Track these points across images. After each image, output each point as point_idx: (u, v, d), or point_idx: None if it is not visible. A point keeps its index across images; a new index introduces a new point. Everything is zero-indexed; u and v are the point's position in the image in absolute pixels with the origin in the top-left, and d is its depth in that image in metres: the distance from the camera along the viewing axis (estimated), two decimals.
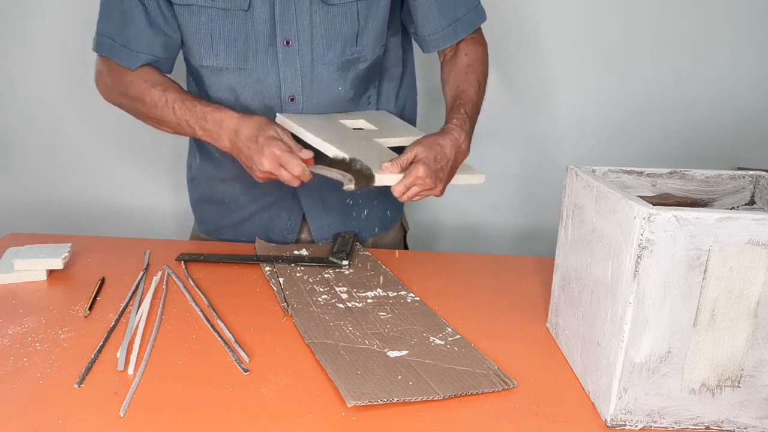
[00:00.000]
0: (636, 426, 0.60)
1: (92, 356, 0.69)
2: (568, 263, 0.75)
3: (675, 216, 0.54)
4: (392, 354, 0.71)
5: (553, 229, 0.82)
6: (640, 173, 0.77)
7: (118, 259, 1.01)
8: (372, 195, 1.15)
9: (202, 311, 0.82)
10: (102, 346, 0.72)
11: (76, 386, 0.64)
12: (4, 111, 1.56)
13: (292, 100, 1.02)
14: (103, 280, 0.91)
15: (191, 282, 0.92)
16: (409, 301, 0.87)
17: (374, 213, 1.17)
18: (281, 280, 0.93)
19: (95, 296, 0.86)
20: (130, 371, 0.67)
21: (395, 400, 0.61)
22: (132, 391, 0.63)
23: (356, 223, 1.15)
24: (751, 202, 0.77)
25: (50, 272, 0.93)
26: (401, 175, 0.89)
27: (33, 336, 0.74)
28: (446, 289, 0.93)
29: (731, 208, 0.77)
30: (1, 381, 0.65)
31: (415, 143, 0.92)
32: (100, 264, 0.99)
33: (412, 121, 1.17)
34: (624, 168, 0.77)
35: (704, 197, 0.77)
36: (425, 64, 1.28)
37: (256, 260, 1.01)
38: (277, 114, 0.99)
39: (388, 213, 1.21)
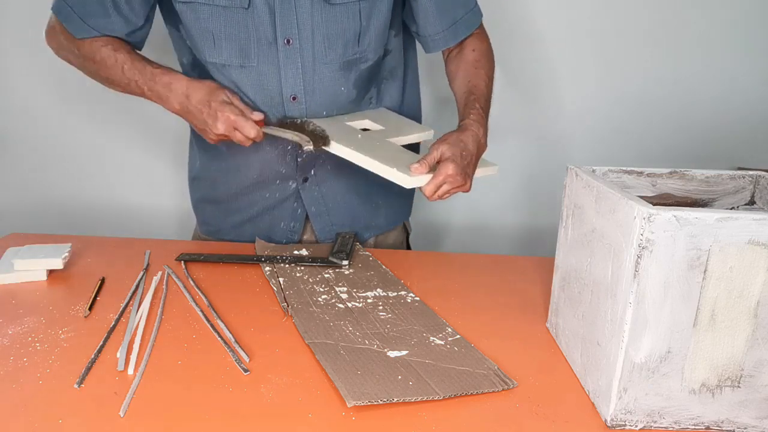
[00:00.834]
0: (636, 426, 0.60)
1: (92, 356, 0.69)
2: (568, 263, 0.75)
3: (675, 216, 0.54)
4: (392, 354, 0.71)
5: (553, 229, 0.82)
6: (640, 173, 0.77)
7: (118, 259, 1.01)
8: (377, 195, 1.14)
9: (202, 311, 0.82)
10: (102, 346, 0.72)
11: (76, 386, 0.64)
12: (4, 111, 1.56)
13: (294, 99, 1.01)
14: (103, 280, 0.91)
15: (191, 282, 0.92)
16: (409, 301, 0.87)
17: (380, 213, 1.17)
18: (281, 280, 0.93)
19: (95, 296, 0.86)
20: (130, 371, 0.67)
21: (395, 400, 0.61)
22: (132, 391, 0.63)
23: (361, 223, 1.15)
24: (751, 202, 0.77)
25: (50, 272, 0.93)
26: (429, 176, 0.89)
27: (33, 336, 0.74)
28: (446, 289, 0.93)
29: (731, 208, 0.77)
30: (1, 381, 0.65)
31: (439, 141, 0.92)
32: (100, 264, 0.99)
33: (416, 120, 1.17)
34: (624, 168, 0.77)
35: (704, 197, 0.77)
36: (428, 64, 1.28)
37: (256, 260, 1.01)
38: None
39: (394, 214, 1.21)
